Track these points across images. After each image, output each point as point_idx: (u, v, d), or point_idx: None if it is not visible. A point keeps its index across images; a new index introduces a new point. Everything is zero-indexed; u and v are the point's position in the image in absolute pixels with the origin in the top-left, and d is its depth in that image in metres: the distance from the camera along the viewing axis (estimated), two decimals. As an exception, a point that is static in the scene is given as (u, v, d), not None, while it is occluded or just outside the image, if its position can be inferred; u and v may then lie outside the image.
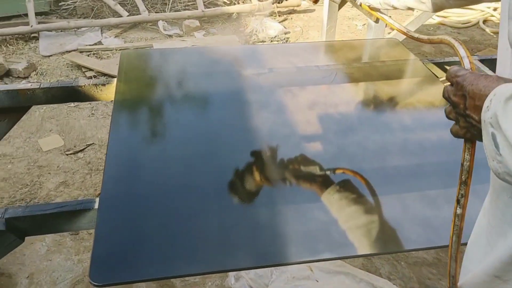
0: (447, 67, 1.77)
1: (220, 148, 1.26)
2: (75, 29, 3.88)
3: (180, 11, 4.18)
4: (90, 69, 3.33)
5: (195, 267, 0.94)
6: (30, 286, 1.81)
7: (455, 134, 0.72)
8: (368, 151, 1.27)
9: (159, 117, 1.40)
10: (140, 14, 4.02)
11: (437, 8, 1.24)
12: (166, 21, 4.07)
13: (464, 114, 0.67)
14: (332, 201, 1.09)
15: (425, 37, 1.02)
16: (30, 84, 1.49)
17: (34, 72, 3.33)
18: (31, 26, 3.74)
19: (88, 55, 3.56)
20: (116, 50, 3.62)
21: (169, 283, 1.81)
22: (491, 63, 1.69)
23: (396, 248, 1.05)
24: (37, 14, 3.94)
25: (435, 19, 4.14)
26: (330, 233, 1.01)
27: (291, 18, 4.42)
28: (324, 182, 1.16)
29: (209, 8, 4.20)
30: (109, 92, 1.54)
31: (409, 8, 1.37)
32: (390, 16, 1.52)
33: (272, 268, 1.82)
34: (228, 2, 4.35)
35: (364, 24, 4.20)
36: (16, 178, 2.38)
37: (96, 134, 2.73)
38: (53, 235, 2.03)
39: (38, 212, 1.01)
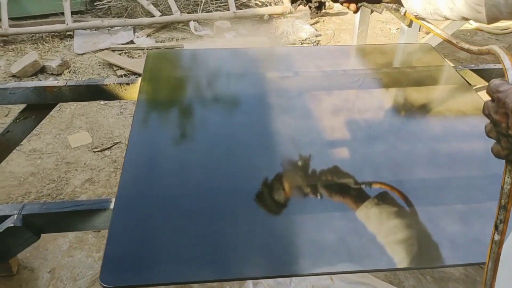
0: (481, 74, 1.69)
1: (240, 152, 1.24)
2: (109, 28, 3.95)
3: (211, 12, 4.19)
4: (121, 68, 3.38)
5: (208, 274, 0.91)
6: (51, 281, 1.83)
7: (496, 155, 0.66)
8: (393, 161, 1.22)
9: (181, 118, 1.38)
10: (172, 14, 4.05)
11: (491, 20, 1.14)
12: (197, 21, 4.09)
13: (507, 134, 0.62)
14: (361, 214, 1.05)
15: (475, 48, 0.96)
16: (57, 81, 1.51)
17: (67, 70, 3.39)
18: (67, 25, 3.82)
19: (120, 54, 3.61)
20: (147, 49, 3.66)
21: (186, 285, 1.79)
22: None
23: (420, 264, 0.99)
24: (73, 13, 4.03)
25: (472, 24, 4.00)
26: (349, 245, 0.97)
27: (323, 21, 4.36)
28: (346, 192, 1.11)
29: (241, 9, 4.19)
30: (133, 91, 1.54)
31: (464, 19, 1.23)
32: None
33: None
34: (259, 4, 4.33)
35: (398, 28, 4.11)
36: (44, 174, 2.43)
37: (123, 133, 2.75)
38: (76, 232, 2.06)
39: (54, 209, 1.01)
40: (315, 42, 3.95)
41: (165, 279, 0.90)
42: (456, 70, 1.65)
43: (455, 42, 1.09)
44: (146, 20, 3.99)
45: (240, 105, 1.45)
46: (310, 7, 1.41)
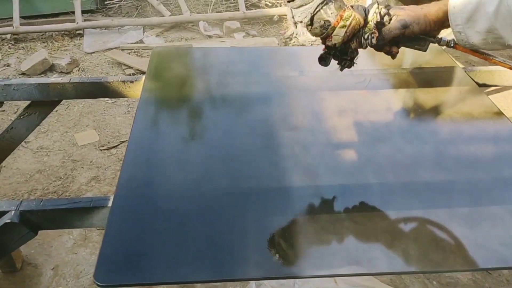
0: (491, 76, 1.66)
1: (242, 151, 1.22)
2: (119, 27, 3.96)
3: (221, 12, 4.19)
4: (130, 67, 3.39)
5: (204, 274, 0.90)
6: (54, 278, 1.84)
7: None
8: (399, 163, 1.19)
9: (183, 117, 1.37)
10: (182, 14, 4.06)
11: None
12: (207, 21, 4.09)
13: None
14: (355, 216, 1.03)
15: None
16: (61, 78, 1.50)
17: (77, 68, 3.41)
18: (77, 23, 3.85)
19: (129, 53, 3.62)
20: (156, 49, 3.67)
21: (190, 284, 1.78)
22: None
23: (426, 268, 0.97)
24: (83, 12, 4.05)
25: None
26: (353, 247, 0.94)
27: (334, 22, 4.33)
28: (346, 195, 1.09)
29: (251, 10, 4.18)
30: (137, 89, 1.53)
31: None
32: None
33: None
34: (269, 5, 4.32)
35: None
36: (50, 171, 2.44)
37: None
38: (81, 229, 2.06)
39: (51, 206, 1.00)
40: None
41: (160, 279, 0.89)
42: (466, 72, 1.62)
43: (508, 63, 1.05)
44: (155, 19, 4.00)
45: (242, 104, 1.43)
46: (342, 63, 1.18)
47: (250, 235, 0.97)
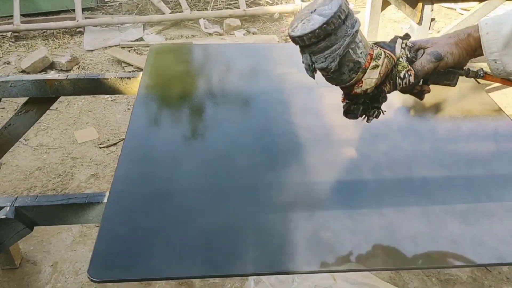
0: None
1: (237, 149, 1.22)
2: (119, 25, 3.96)
3: (222, 9, 4.18)
4: (130, 65, 3.38)
5: (199, 270, 0.89)
6: (53, 275, 1.84)
7: None
8: (395, 160, 1.19)
9: (180, 114, 1.37)
10: (182, 11, 4.05)
11: None
12: (207, 19, 4.08)
13: None
14: (352, 212, 1.02)
15: None
16: (58, 75, 1.50)
17: (77, 66, 3.41)
18: (77, 21, 3.85)
19: (129, 51, 3.61)
20: (156, 46, 3.67)
21: (188, 282, 1.78)
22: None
23: (424, 264, 0.96)
24: (84, 9, 4.05)
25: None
26: (350, 243, 0.94)
27: (334, 20, 4.32)
28: (344, 192, 1.09)
29: (251, 7, 4.17)
30: (134, 85, 1.53)
31: None
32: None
33: (294, 275, 1.76)
34: (270, 2, 4.31)
35: (410, 28, 4.05)
36: (50, 168, 2.44)
37: (129, 129, 2.76)
38: (80, 227, 2.06)
39: (46, 202, 1.00)
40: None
41: (155, 275, 0.89)
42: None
43: None
44: (156, 17, 3.99)
45: (239, 101, 1.43)
46: (371, 113, 0.99)
47: (246, 231, 0.96)
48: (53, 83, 1.48)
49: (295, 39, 0.83)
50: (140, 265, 0.88)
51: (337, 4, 0.80)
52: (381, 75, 0.89)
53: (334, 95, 1.48)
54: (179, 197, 1.04)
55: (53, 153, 2.56)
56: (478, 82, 1.00)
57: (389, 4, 2.91)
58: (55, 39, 3.82)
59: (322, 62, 0.84)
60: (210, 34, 3.94)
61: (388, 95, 0.97)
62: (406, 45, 0.94)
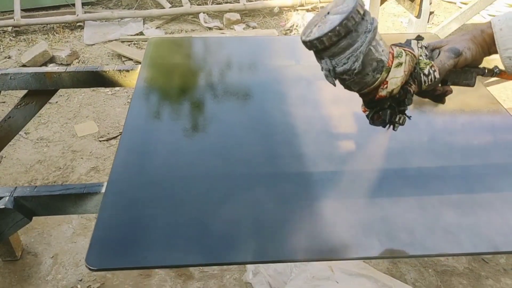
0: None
1: (235, 140, 1.23)
2: (119, 19, 3.96)
3: (221, 4, 4.18)
4: (130, 59, 3.39)
5: (196, 258, 0.91)
6: (54, 266, 1.86)
7: None
8: (392, 151, 1.20)
9: (177, 105, 1.38)
10: (182, 6, 4.05)
11: None
12: (207, 13, 4.08)
13: None
14: (348, 201, 1.04)
15: None
16: (57, 67, 1.51)
17: (77, 60, 3.42)
18: (77, 16, 3.85)
19: (129, 45, 3.62)
20: (156, 40, 3.67)
21: (188, 273, 1.80)
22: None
23: (414, 253, 0.98)
24: (84, 4, 4.06)
25: (485, 18, 3.93)
26: (346, 233, 0.95)
27: (334, 13, 4.31)
28: (339, 181, 1.10)
29: (251, 1, 4.17)
30: (133, 78, 1.54)
31: None
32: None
33: (292, 265, 1.78)
34: (270, -4, 4.31)
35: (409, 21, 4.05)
36: (50, 161, 2.45)
37: (129, 122, 2.77)
38: (80, 219, 2.08)
39: (45, 192, 1.01)
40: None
41: (152, 263, 0.90)
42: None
43: None
44: (156, 11, 3.99)
45: (237, 93, 1.44)
46: (398, 118, 0.90)
47: (242, 220, 0.98)
48: (52, 75, 1.49)
49: (312, 43, 0.78)
50: (137, 254, 0.89)
51: (353, 0, 0.76)
52: (406, 72, 0.83)
53: (332, 88, 1.49)
54: (176, 187, 1.05)
55: (54, 146, 2.57)
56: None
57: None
58: (55, 33, 3.83)
59: (345, 63, 0.78)
60: (210, 28, 3.94)
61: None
62: (422, 45, 0.91)
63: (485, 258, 1.86)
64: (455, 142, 1.25)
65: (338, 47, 0.77)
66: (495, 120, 1.33)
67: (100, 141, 2.61)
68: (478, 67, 0.95)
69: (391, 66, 0.81)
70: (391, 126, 0.91)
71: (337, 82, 0.85)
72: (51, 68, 1.52)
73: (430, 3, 2.36)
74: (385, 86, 0.82)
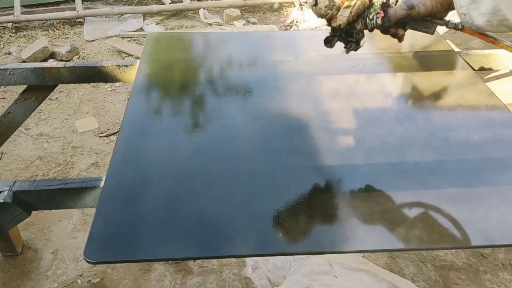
0: (487, 59, 1.65)
1: (233, 134, 1.23)
2: (119, 15, 3.96)
3: (222, -1, 4.18)
4: (130, 55, 3.39)
5: (193, 251, 0.91)
6: (54, 261, 1.87)
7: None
8: (389, 145, 1.20)
9: (176, 101, 1.38)
10: (182, 2, 4.05)
11: None
12: (207, 9, 4.08)
13: None
14: (346, 196, 1.04)
15: None
16: (56, 63, 1.51)
17: (77, 56, 3.42)
18: (77, 12, 3.85)
19: (129, 41, 3.62)
20: (156, 36, 3.67)
21: (187, 268, 1.81)
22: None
23: (410, 246, 0.98)
24: (84, 0, 4.05)
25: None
26: (339, 227, 0.96)
27: (335, 9, 4.31)
28: (337, 176, 1.10)
29: (251, -3, 4.17)
30: (132, 73, 1.54)
31: None
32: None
33: (291, 260, 1.78)
34: (270, -8, 4.30)
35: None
36: (50, 157, 2.46)
37: (129, 118, 2.77)
38: (80, 214, 2.09)
39: (44, 187, 1.02)
40: (325, 30, 3.90)
41: (150, 256, 0.90)
42: (460, 55, 1.62)
43: None
44: (156, 7, 3.99)
45: (237, 88, 1.44)
46: (348, 46, 1.17)
47: (240, 213, 0.98)
48: (51, 71, 1.49)
49: None
50: (136, 247, 0.89)
51: None
52: (352, 14, 1.07)
53: (330, 83, 1.49)
54: (175, 181, 1.06)
55: (54, 142, 2.58)
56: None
57: None
58: (55, 29, 3.83)
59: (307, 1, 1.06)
60: (210, 24, 3.94)
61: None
62: None
63: (483, 253, 1.87)
64: (453, 137, 1.25)
65: None
66: (494, 116, 1.33)
67: (100, 137, 2.61)
68: (442, 19, 1.09)
69: (341, 6, 1.05)
70: (345, 50, 1.17)
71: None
72: (50, 63, 1.53)
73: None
74: (335, 20, 1.08)
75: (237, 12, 4.02)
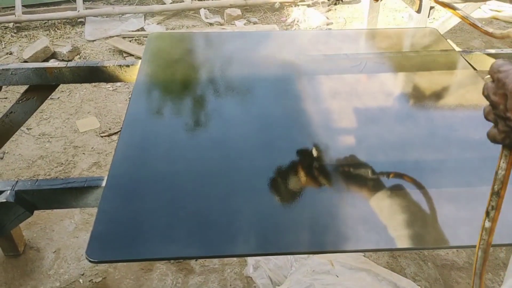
0: (488, 59, 1.66)
1: (234, 134, 1.24)
2: (120, 15, 3.96)
3: (222, -1, 4.17)
4: (131, 55, 3.39)
5: (195, 251, 0.92)
6: (56, 261, 1.87)
7: (492, 139, 0.64)
8: (389, 144, 1.20)
9: (177, 100, 1.39)
10: (183, 1, 4.05)
11: None
12: (208, 9, 4.08)
13: (504, 116, 0.58)
14: (347, 194, 1.04)
15: (497, 31, 0.93)
16: (58, 63, 1.52)
17: (78, 56, 3.42)
18: (78, 11, 3.85)
19: (130, 41, 3.62)
20: (157, 36, 3.67)
21: (188, 267, 1.81)
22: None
23: (410, 245, 0.98)
24: (84, 0, 4.06)
25: (487, 12, 3.92)
26: (343, 225, 0.96)
27: (335, 9, 4.31)
28: (338, 174, 1.11)
29: (252, -4, 4.16)
30: (133, 73, 1.54)
31: None
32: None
33: (292, 260, 1.79)
34: (271, -9, 4.29)
35: (409, 16, 4.03)
36: (52, 157, 2.46)
37: (131, 118, 2.78)
38: (82, 214, 2.09)
39: (46, 186, 1.02)
40: (326, 30, 3.90)
41: (152, 255, 0.91)
42: (461, 55, 1.62)
43: (479, 25, 1.04)
44: (157, 7, 3.99)
45: (237, 87, 1.44)
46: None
47: (242, 213, 0.98)
48: (53, 70, 1.50)
49: None
50: (137, 246, 0.90)
51: None
52: None
53: (331, 82, 1.50)
54: (176, 181, 1.06)
55: (55, 142, 2.58)
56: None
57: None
58: (56, 29, 3.83)
59: None
60: (211, 24, 3.94)
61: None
62: None
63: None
64: (454, 136, 1.25)
65: None
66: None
67: (102, 136, 2.61)
68: None
69: None
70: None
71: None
72: (52, 63, 1.53)
73: (431, -2, 2.35)
74: None
75: (238, 11, 4.02)
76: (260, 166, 1.11)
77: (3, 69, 1.47)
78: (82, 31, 3.81)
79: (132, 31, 3.75)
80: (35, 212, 1.12)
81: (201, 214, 0.98)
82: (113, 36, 3.67)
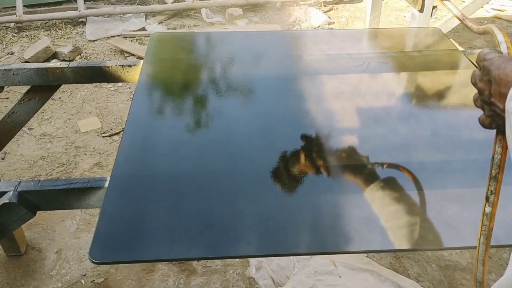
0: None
1: (237, 134, 1.23)
2: (121, 15, 3.96)
3: (224, -1, 4.17)
4: (132, 54, 3.39)
5: (198, 252, 0.91)
6: (58, 261, 1.87)
7: (482, 124, 0.67)
8: (393, 144, 1.20)
9: (180, 100, 1.38)
10: (184, 1, 4.05)
11: None
12: (209, 8, 4.08)
13: (489, 101, 0.61)
14: (350, 196, 1.04)
15: (475, 26, 0.93)
16: (60, 63, 1.52)
17: (79, 56, 3.42)
18: (79, 11, 3.85)
19: (131, 41, 3.62)
20: (159, 36, 3.66)
21: (191, 268, 1.81)
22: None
23: (414, 247, 0.98)
24: (85, 0, 4.06)
25: (489, 12, 3.91)
26: (347, 226, 0.95)
27: (337, 9, 4.31)
28: (341, 175, 1.10)
29: (253, -4, 4.16)
30: (135, 73, 1.54)
31: None
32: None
33: (295, 260, 1.78)
34: (272, -9, 4.29)
35: (412, 15, 4.03)
36: (54, 157, 2.46)
37: (132, 118, 2.77)
38: (84, 214, 2.09)
39: (49, 187, 1.02)
40: (328, 29, 3.90)
41: (155, 256, 0.90)
42: (465, 54, 1.61)
43: (462, 18, 1.04)
44: (158, 7, 3.99)
45: (240, 87, 1.44)
46: None
47: (245, 214, 0.98)
48: (55, 71, 1.49)
49: None
50: (140, 247, 0.89)
51: None
52: None
53: (333, 83, 1.49)
54: (179, 181, 1.05)
55: (57, 142, 2.58)
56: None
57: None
58: (57, 29, 3.83)
59: None
60: (212, 23, 3.94)
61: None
62: None
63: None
64: (457, 136, 1.25)
65: None
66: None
67: (103, 136, 2.61)
68: None
69: None
70: None
71: None
72: (54, 63, 1.53)
73: (433, -3, 2.34)
74: None
75: (240, 11, 4.02)
76: (263, 166, 1.10)
77: (5, 70, 1.46)
78: (83, 31, 3.81)
79: (133, 31, 3.75)
80: (37, 212, 1.12)
81: (204, 214, 0.97)
82: (114, 36, 3.67)
